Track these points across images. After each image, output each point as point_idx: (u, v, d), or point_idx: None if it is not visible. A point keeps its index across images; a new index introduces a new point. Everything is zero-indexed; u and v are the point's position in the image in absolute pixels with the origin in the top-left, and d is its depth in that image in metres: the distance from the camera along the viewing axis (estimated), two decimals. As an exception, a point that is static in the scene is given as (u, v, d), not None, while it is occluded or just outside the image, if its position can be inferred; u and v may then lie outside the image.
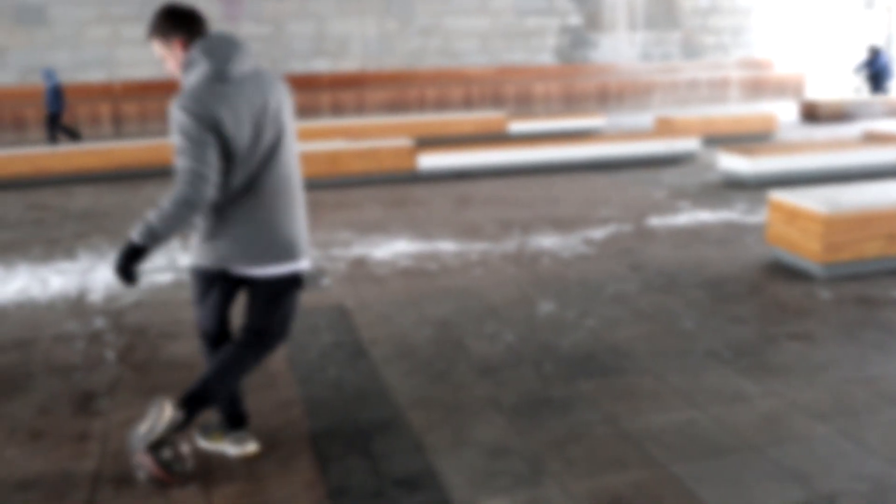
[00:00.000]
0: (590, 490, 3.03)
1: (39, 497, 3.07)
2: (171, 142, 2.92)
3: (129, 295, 5.61)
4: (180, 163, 2.85)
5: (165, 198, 2.90)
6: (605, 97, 19.73)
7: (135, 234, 2.89)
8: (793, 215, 5.81)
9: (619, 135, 12.46)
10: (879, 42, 19.94)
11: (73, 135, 14.11)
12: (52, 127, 13.72)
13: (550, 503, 2.95)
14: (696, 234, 6.99)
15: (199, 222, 3.05)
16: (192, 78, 2.90)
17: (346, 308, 5.21)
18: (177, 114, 2.83)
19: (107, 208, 8.82)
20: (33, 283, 6.00)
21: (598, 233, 7.08)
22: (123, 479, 3.17)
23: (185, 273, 5.97)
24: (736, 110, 17.05)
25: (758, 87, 20.86)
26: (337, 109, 17.63)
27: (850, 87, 18.29)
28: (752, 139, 12.64)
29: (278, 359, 4.36)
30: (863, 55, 17.32)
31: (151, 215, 2.89)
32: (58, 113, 13.71)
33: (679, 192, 8.96)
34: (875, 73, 16.86)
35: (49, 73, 13.75)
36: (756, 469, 3.14)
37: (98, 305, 5.43)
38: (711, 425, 3.51)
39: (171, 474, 2.95)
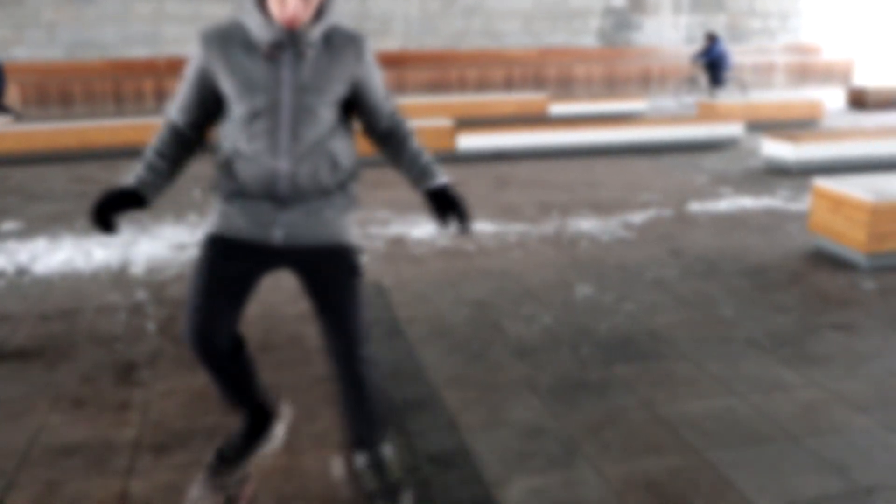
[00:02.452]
0: (624, 474, 3.02)
1: (82, 462, 3.14)
2: (377, 78, 2.63)
3: (171, 268, 5.69)
4: (392, 101, 2.70)
5: (415, 140, 2.76)
6: (648, 81, 19.52)
7: (435, 178, 2.68)
8: (837, 203, 5.70)
9: (661, 119, 12.32)
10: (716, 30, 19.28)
11: (8, 113, 14.35)
12: None
13: (584, 485, 2.95)
14: (737, 220, 6.89)
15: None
16: (333, 18, 2.45)
17: (384, 286, 5.23)
18: (371, 48, 2.55)
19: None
20: (77, 254, 6.11)
21: (638, 217, 7.02)
22: (163, 447, 3.23)
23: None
24: (781, 96, 16.74)
25: (804, 73, 20.49)
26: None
27: (687, 77, 17.35)
28: (796, 126, 12.42)
29: (315, 335, 4.39)
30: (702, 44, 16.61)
31: (425, 155, 2.74)
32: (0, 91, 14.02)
33: (721, 177, 8.84)
34: (711, 61, 16.05)
35: None
36: (794, 459, 3.11)
37: (140, 278, 5.52)
38: (750, 413, 3.47)
39: None
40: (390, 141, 2.75)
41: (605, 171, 9.31)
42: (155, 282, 5.42)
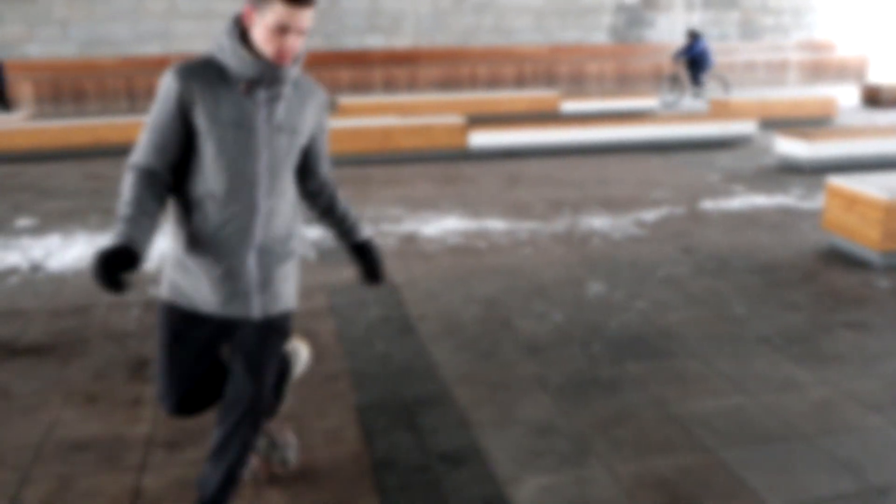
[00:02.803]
0: (636, 472, 3.01)
1: (94, 458, 3.15)
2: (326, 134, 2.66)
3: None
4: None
5: (341, 196, 2.78)
6: (660, 78, 19.42)
7: None
8: (851, 202, 5.67)
9: (674, 116, 12.28)
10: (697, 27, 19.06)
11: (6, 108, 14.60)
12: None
13: (595, 484, 2.94)
14: (749, 218, 6.87)
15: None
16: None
17: (395, 283, 5.24)
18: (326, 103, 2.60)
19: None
20: (90, 251, 6.13)
21: (650, 215, 7.00)
22: (175, 443, 3.25)
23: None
24: (794, 93, 16.65)
25: (818, 70, 20.36)
26: (389, 86, 17.64)
27: (669, 75, 17.06)
28: (810, 123, 12.35)
29: (327, 332, 4.41)
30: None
31: (352, 211, 2.81)
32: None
33: (733, 175, 8.80)
34: (692, 58, 15.65)
35: None
36: (806, 458, 3.10)
37: (152, 274, 5.53)
38: (761, 412, 3.46)
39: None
40: (324, 193, 2.72)
41: (617, 169, 9.29)
42: (167, 278, 5.43)
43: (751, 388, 3.68)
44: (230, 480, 2.56)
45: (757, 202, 7.47)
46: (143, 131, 2.38)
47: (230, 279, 2.43)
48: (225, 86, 2.31)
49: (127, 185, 2.33)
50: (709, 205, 7.37)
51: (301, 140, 2.48)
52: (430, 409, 3.52)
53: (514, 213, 7.12)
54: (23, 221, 7.17)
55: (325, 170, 2.69)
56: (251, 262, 2.44)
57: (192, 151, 2.37)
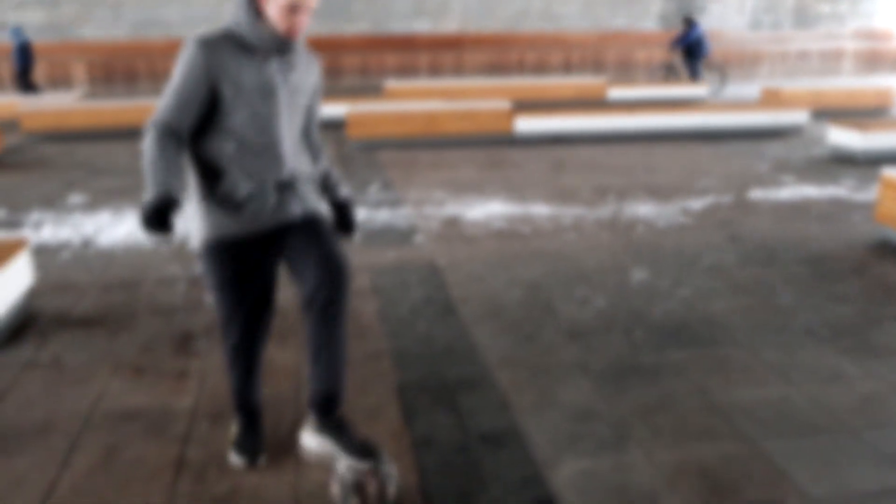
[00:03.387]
0: (676, 460, 2.99)
1: (141, 428, 3.22)
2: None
3: (229, 243, 5.78)
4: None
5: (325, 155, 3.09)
6: (710, 66, 19.14)
7: None
8: (906, 193, 5.54)
9: (723, 105, 12.09)
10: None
11: (35, 90, 14.80)
12: (22, 82, 14.41)
13: (635, 470, 2.93)
14: (799, 209, 6.75)
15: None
16: None
17: (438, 266, 5.25)
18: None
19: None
20: (139, 228, 6.24)
21: (697, 203, 6.91)
22: (219, 416, 3.30)
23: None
24: (849, 83, 16.27)
25: (874, 60, 19.89)
26: (435, 70, 17.63)
27: (663, 64, 16.52)
28: (864, 114, 12.08)
29: (369, 312, 4.44)
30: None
31: (334, 170, 3.08)
32: (26, 69, 14.35)
33: (783, 165, 8.65)
34: (688, 46, 15.28)
35: (16, 32, 14.36)
36: (851, 451, 3.04)
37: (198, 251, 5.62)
38: (806, 404, 3.41)
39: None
40: (311, 152, 3.00)
41: (664, 157, 9.18)
42: (213, 256, 5.51)
43: (796, 379, 3.63)
44: (343, 363, 2.79)
45: (807, 193, 7.34)
46: (163, 96, 2.62)
47: (268, 206, 2.73)
48: (245, 55, 2.62)
49: (150, 142, 2.55)
50: (757, 194, 7.25)
51: (307, 101, 2.85)
52: (471, 391, 3.53)
53: (558, 199, 7.08)
54: (75, 198, 7.33)
55: (314, 136, 3.01)
56: (274, 191, 2.74)
57: (217, 114, 2.64)
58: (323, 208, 2.92)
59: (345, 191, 3.07)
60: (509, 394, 3.50)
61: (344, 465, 2.70)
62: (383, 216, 6.54)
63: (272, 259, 2.84)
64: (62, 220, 6.51)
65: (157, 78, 17.02)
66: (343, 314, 2.74)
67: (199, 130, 2.66)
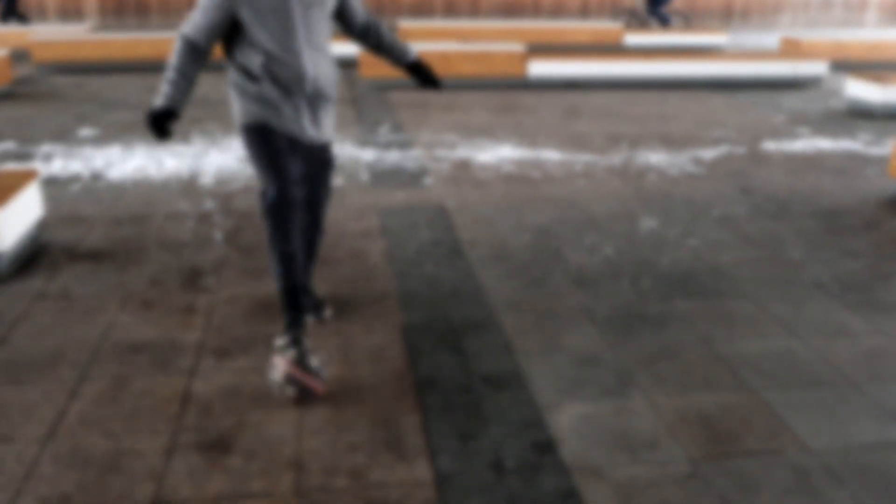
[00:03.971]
0: (677, 407, 3.01)
1: (148, 360, 3.26)
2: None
3: (238, 180, 5.78)
4: (366, 6, 3.50)
5: (388, 30, 3.54)
6: (730, 14, 18.81)
7: None
8: (923, 149, 5.46)
9: (741, 54, 11.89)
10: None
11: (23, 19, 14.66)
12: (6, 11, 14.31)
13: (636, 415, 2.95)
14: (813, 161, 6.68)
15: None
16: None
17: (447, 208, 5.24)
18: None
19: (222, 96, 9.01)
20: (150, 163, 6.24)
21: (709, 153, 6.84)
22: (225, 351, 3.33)
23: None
24: (872, 35, 15.97)
25: (899, 12, 19.47)
26: (450, 10, 17.37)
27: (628, 10, 16.02)
28: (886, 67, 11.86)
29: (377, 252, 4.44)
30: None
31: (399, 40, 3.59)
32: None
33: (799, 117, 8.54)
34: None
35: None
36: (853, 404, 3.06)
37: (208, 188, 5.62)
38: (810, 356, 3.42)
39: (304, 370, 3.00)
40: (369, 33, 3.48)
41: (679, 106, 9.07)
42: (223, 192, 5.51)
43: (801, 333, 3.63)
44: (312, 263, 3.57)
45: (822, 146, 7.25)
46: (196, 9, 3.10)
47: (291, 113, 3.19)
48: None
49: (176, 52, 3.07)
50: (771, 146, 7.18)
51: (328, 10, 3.20)
52: (476, 333, 3.55)
53: (570, 145, 7.02)
54: (85, 131, 7.30)
55: (363, 17, 3.43)
56: (304, 105, 3.21)
57: (244, 30, 3.08)
58: (331, 131, 3.43)
59: (413, 54, 3.57)
60: (514, 337, 3.52)
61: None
62: (393, 157, 6.51)
63: (298, 160, 3.29)
64: (72, 154, 6.50)
65: (168, 12, 16.82)
66: (321, 234, 3.56)
67: (234, 41, 3.13)
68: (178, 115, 3.04)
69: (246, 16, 3.03)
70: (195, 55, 3.07)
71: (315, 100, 3.23)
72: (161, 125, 3.00)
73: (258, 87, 3.13)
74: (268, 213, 3.20)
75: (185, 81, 3.06)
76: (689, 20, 15.66)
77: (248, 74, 3.13)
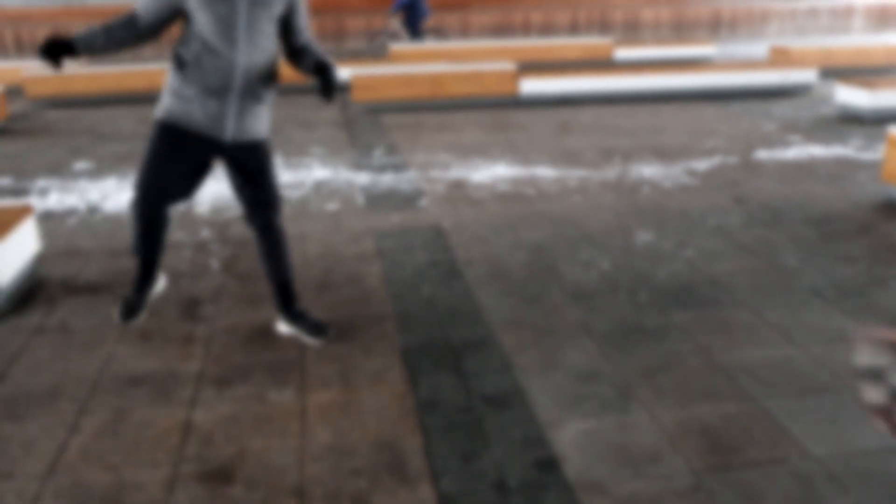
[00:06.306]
0: (678, 419, 3.01)
1: (148, 392, 3.26)
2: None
3: (234, 208, 5.79)
4: (310, 30, 3.52)
5: (320, 51, 3.48)
6: (718, 25, 18.93)
7: None
8: (914, 152, 5.49)
9: (731, 64, 11.96)
10: None
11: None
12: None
13: (638, 429, 2.95)
14: (805, 169, 6.71)
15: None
16: None
17: (443, 228, 5.25)
18: None
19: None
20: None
21: (703, 164, 6.87)
22: (225, 380, 3.33)
23: (287, 189, 6.11)
24: (859, 41, 16.08)
25: (885, 17, 19.61)
26: (440, 32, 17.45)
27: (384, 30, 15.76)
28: (874, 72, 11.94)
29: (374, 275, 4.45)
30: None
31: (323, 55, 3.44)
32: None
33: (791, 125, 8.58)
34: (407, 6, 14.40)
35: None
36: (853, 411, 3.06)
37: (205, 217, 5.64)
38: (809, 364, 3.42)
39: None
40: (307, 53, 3.44)
41: (671, 117, 9.12)
42: (219, 221, 5.53)
43: (800, 340, 3.64)
44: (286, 261, 3.62)
45: (814, 152, 7.28)
46: None
47: (214, 109, 3.25)
48: None
49: (120, 17, 3.22)
50: (763, 155, 7.21)
51: (275, 13, 3.25)
52: (475, 353, 3.55)
53: (564, 161, 7.05)
54: (80, 164, 7.33)
55: (304, 39, 3.45)
56: (232, 100, 3.26)
57: (186, 20, 3.22)
58: (259, 130, 3.41)
59: (328, 59, 3.40)
60: (513, 355, 3.52)
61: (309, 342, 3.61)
62: (388, 180, 6.53)
63: (209, 163, 3.43)
64: (68, 187, 6.52)
65: (160, 43, 16.89)
66: (277, 230, 3.55)
67: (181, 35, 3.25)
68: (76, 52, 3.17)
69: (192, 4, 3.16)
70: (130, 24, 3.22)
71: (245, 96, 3.28)
72: (56, 52, 3.14)
73: (182, 78, 3.23)
74: (132, 207, 3.41)
75: (105, 37, 3.20)
76: (444, 34, 15.71)
77: (179, 63, 3.23)
